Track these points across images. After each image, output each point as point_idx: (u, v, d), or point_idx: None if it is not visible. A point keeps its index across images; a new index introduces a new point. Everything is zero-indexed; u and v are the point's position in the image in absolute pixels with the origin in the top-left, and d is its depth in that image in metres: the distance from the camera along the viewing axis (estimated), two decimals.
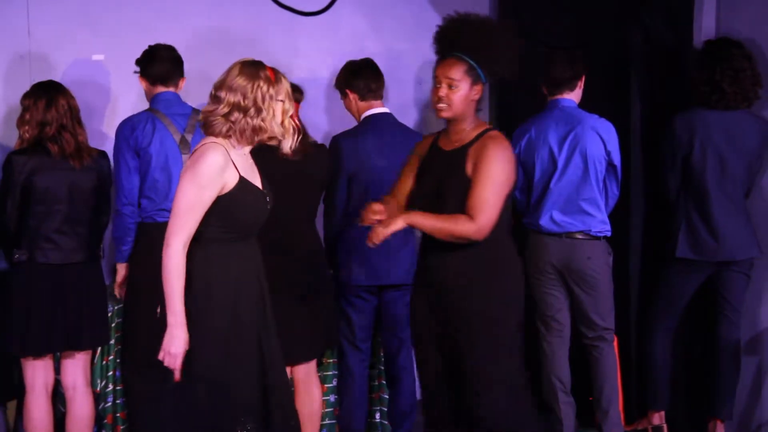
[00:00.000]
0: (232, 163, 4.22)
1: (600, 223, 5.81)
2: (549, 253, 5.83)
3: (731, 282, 5.91)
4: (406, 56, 6.50)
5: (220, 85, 4.27)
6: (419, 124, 6.53)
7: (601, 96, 6.01)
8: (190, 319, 4.18)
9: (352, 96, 5.75)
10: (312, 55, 6.36)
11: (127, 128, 5.34)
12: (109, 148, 5.43)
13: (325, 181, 5.54)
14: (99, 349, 5.37)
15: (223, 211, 4.20)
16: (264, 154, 5.29)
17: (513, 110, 6.53)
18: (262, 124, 4.26)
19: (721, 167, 5.82)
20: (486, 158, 4.63)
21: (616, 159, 5.80)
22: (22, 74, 5.72)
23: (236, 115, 4.22)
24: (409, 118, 6.47)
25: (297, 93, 5.39)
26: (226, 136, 4.25)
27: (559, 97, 5.82)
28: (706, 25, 6.13)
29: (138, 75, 5.49)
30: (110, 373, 5.53)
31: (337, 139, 5.73)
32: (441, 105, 4.74)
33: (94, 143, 5.44)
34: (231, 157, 4.23)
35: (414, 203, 4.81)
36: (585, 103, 5.86)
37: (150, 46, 5.48)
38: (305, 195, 5.43)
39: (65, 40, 5.82)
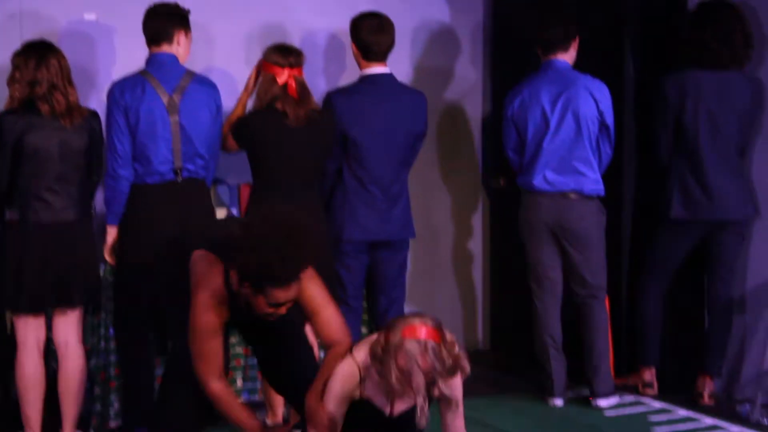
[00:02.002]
0: None
1: (593, 183, 5.84)
2: (542, 212, 5.86)
3: (726, 242, 5.93)
4: (402, 16, 6.48)
5: None
6: (417, 84, 6.48)
7: (595, 57, 6.04)
8: None
9: (355, 51, 5.70)
10: (306, 17, 6.36)
11: (117, 90, 5.33)
12: (101, 108, 5.44)
13: (330, 146, 5.55)
14: (91, 306, 5.39)
15: None
16: (268, 120, 5.34)
17: (508, 72, 6.54)
18: None
19: (713, 127, 5.83)
20: None
21: (609, 119, 5.82)
22: (13, 33, 5.70)
23: None
24: (407, 77, 6.46)
25: (292, 57, 5.38)
26: None
27: (552, 58, 5.84)
28: None
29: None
30: (102, 330, 5.57)
31: (330, 96, 5.71)
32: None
33: (86, 104, 5.44)
34: None
35: None
36: (579, 65, 5.88)
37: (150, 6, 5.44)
38: (309, 162, 5.44)
39: None
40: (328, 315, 4.46)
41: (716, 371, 6.02)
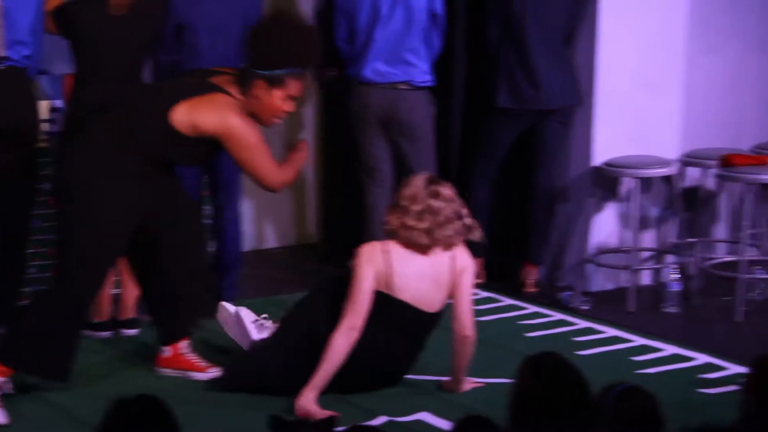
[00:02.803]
0: None
1: (422, 74, 5.84)
2: (373, 104, 5.84)
3: (550, 130, 6.02)
4: None
5: None
6: None
7: None
8: None
9: None
10: None
11: None
12: None
13: (156, 35, 5.37)
14: None
15: None
16: (88, 8, 5.14)
17: None
18: None
19: (539, 16, 5.87)
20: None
21: (440, 8, 5.80)
22: None
23: None
24: None
25: None
26: None
27: None
28: None
29: None
30: None
31: None
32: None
33: None
34: None
35: None
36: None
37: None
38: (134, 52, 5.26)
39: None
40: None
41: (539, 260, 6.16)
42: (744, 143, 6.44)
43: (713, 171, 5.98)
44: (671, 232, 6.26)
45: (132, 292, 5.35)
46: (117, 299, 5.41)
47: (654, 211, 6.26)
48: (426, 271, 4.58)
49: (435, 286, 4.59)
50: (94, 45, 5.15)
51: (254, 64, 4.57)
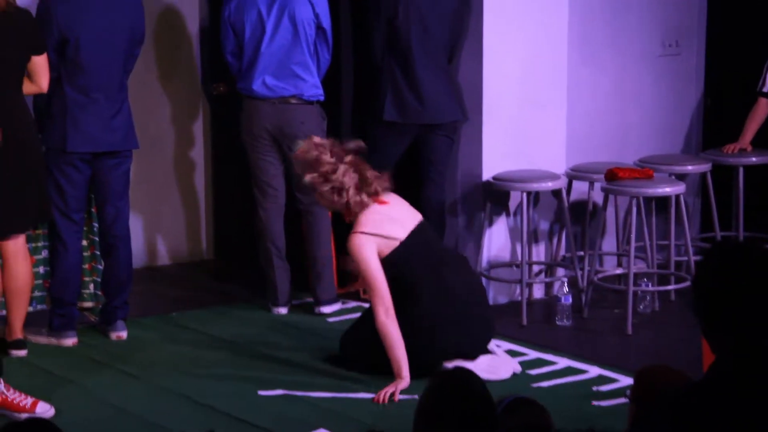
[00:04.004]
0: None
1: (312, 87, 5.85)
2: (263, 118, 5.83)
3: (436, 145, 6.07)
4: None
5: None
6: None
7: None
8: None
9: None
10: None
11: None
12: None
13: (29, 45, 5.27)
14: None
15: None
16: None
17: None
18: None
19: (423, 30, 5.92)
20: None
21: (326, 22, 5.82)
22: None
23: None
24: None
25: None
26: None
27: None
28: None
29: None
30: None
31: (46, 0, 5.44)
32: None
33: None
34: None
35: None
36: None
37: None
38: (8, 60, 5.16)
39: None
40: None
41: None
42: (629, 157, 6.58)
43: (599, 185, 6.09)
44: (561, 245, 6.36)
45: (18, 312, 5.27)
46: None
47: (543, 225, 6.36)
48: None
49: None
50: None
51: None
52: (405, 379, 4.83)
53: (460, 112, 6.05)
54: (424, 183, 6.11)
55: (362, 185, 4.95)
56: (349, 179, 4.93)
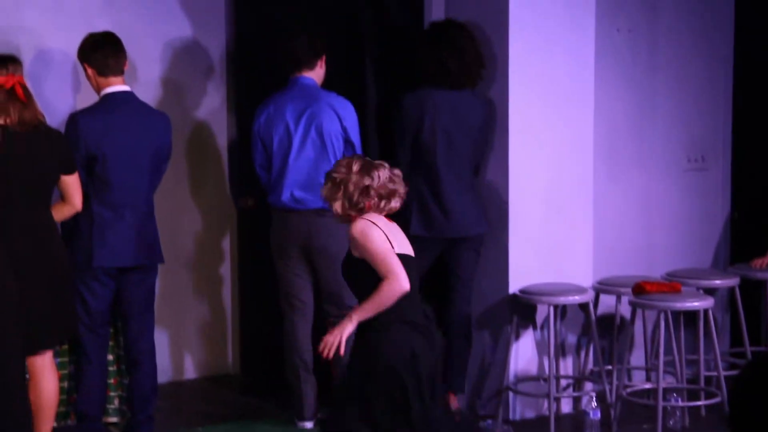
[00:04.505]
0: None
1: None
2: (292, 231, 5.85)
3: (462, 258, 6.07)
4: (142, 35, 6.38)
5: None
6: (162, 104, 6.41)
7: (338, 77, 6.08)
8: None
9: (90, 71, 5.57)
10: (40, 32, 6.15)
11: None
12: None
13: (60, 163, 5.35)
14: None
15: None
16: None
17: (256, 91, 6.53)
18: None
19: (448, 145, 5.97)
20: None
21: (353, 136, 5.86)
22: None
23: None
24: (150, 96, 6.35)
25: (10, 64, 5.18)
26: None
27: (298, 75, 5.85)
28: (436, 8, 6.27)
29: None
30: None
31: (74, 117, 5.53)
32: None
33: None
34: None
35: None
36: (323, 84, 5.91)
37: None
38: (40, 175, 5.24)
39: None
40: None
41: (459, 387, 6.15)
42: (656, 271, 6.56)
43: (627, 298, 6.06)
44: (589, 359, 6.31)
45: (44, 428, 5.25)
46: None
47: (571, 339, 6.31)
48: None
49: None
50: None
51: None
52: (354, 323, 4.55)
53: (485, 224, 6.06)
54: (450, 296, 6.09)
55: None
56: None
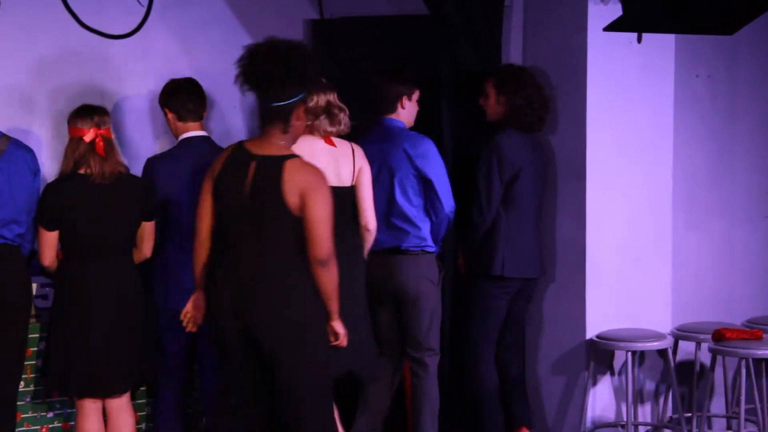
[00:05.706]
0: None
1: (415, 239, 5.77)
2: (370, 272, 5.81)
3: (517, 308, 6.09)
4: (221, 79, 6.46)
5: None
6: None
7: (416, 119, 6.06)
8: None
9: (170, 116, 5.67)
10: (124, 79, 6.26)
11: None
12: None
13: (143, 212, 5.43)
14: None
15: None
16: (71, 184, 5.23)
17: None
18: None
19: (533, 187, 5.98)
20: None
21: (430, 173, 5.74)
22: None
23: None
24: (228, 142, 6.40)
25: (96, 116, 5.29)
26: None
27: (383, 117, 5.86)
28: (514, 53, 6.28)
29: None
30: None
31: (150, 162, 5.64)
32: None
33: None
34: None
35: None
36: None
37: None
38: (120, 224, 5.33)
39: None
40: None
41: (531, 422, 6.09)
42: (736, 318, 6.46)
43: (706, 345, 5.97)
44: (668, 406, 6.22)
45: None
46: None
47: (649, 385, 6.23)
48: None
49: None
50: (77, 218, 5.20)
51: (287, 95, 4.68)
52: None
53: (544, 265, 6.11)
54: (498, 348, 6.07)
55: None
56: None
